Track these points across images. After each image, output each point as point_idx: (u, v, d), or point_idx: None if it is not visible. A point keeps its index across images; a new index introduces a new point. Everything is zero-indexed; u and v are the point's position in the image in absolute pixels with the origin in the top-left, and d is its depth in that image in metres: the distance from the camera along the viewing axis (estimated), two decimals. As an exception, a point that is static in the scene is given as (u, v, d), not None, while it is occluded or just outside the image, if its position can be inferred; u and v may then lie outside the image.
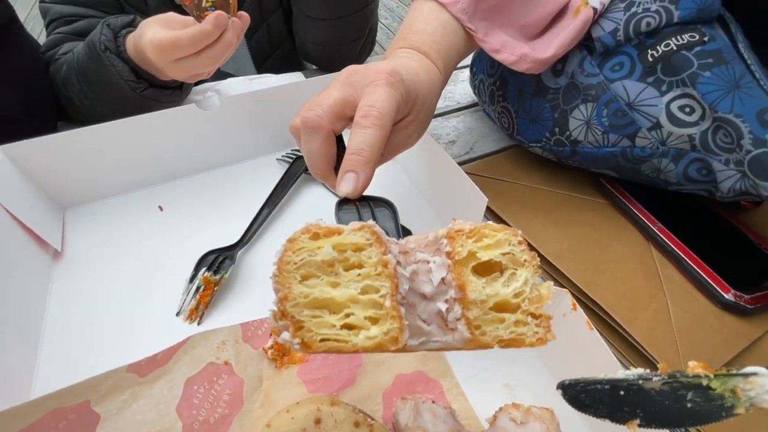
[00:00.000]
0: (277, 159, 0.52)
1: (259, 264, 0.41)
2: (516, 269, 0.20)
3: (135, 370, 0.26)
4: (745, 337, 0.33)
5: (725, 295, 0.35)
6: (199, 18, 0.40)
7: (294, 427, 0.26)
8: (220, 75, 0.67)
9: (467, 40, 0.38)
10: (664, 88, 0.35)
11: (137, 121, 0.43)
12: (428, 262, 0.19)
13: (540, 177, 0.49)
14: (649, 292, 0.36)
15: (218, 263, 0.39)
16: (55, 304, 0.38)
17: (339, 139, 0.28)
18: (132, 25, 0.47)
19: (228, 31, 0.41)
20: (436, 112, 0.61)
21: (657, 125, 0.36)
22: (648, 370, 0.17)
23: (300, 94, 0.51)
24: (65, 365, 0.34)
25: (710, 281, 0.36)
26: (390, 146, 0.29)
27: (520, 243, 0.20)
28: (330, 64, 0.66)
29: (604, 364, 0.27)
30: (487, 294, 0.19)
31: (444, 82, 0.36)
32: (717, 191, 0.37)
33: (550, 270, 0.40)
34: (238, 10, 0.43)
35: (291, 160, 0.50)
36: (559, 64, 0.41)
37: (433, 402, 0.27)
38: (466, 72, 0.67)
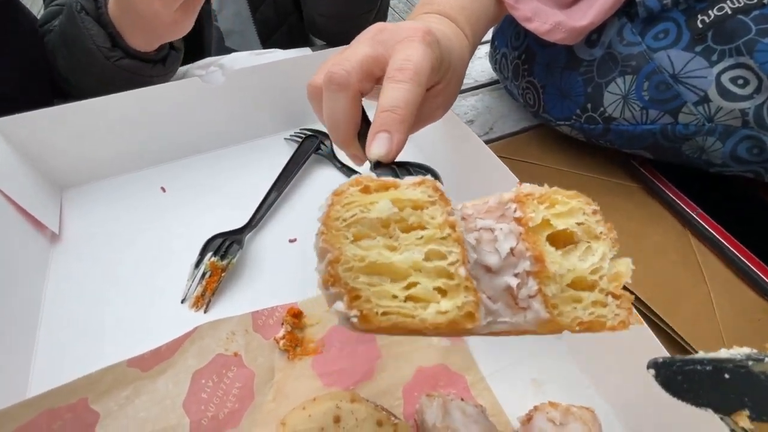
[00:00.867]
0: (285, 138, 0.49)
1: (269, 248, 0.39)
2: (590, 242, 0.17)
3: (137, 365, 0.24)
4: (794, 332, 0.31)
5: (774, 287, 0.32)
6: None
7: (311, 425, 0.24)
8: (225, 50, 0.64)
9: (496, 6, 0.35)
10: (714, 57, 0.32)
11: (137, 95, 0.41)
12: (492, 230, 0.16)
13: (566, 159, 0.46)
14: (690, 284, 0.34)
15: (225, 247, 0.36)
16: (53, 290, 0.36)
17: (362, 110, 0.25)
18: None
19: None
20: (453, 90, 0.58)
21: (705, 99, 0.33)
22: (756, 350, 0.14)
23: (310, 69, 0.48)
24: (64, 354, 0.32)
25: (757, 271, 0.33)
26: (417, 116, 0.26)
27: (594, 213, 0.18)
28: (339, 39, 0.62)
29: (643, 360, 0.25)
30: (566, 268, 0.16)
31: (472, 52, 0.33)
32: (767, 173, 0.34)
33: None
34: None
35: (300, 140, 0.47)
36: (594, 34, 0.38)
37: (462, 400, 0.25)
38: (484, 48, 0.64)
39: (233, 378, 0.28)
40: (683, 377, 0.15)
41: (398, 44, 0.24)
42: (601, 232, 0.18)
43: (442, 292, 0.15)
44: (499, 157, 0.47)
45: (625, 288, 0.18)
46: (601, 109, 0.38)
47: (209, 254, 0.36)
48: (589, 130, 0.41)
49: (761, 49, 0.30)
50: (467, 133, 0.37)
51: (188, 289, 0.35)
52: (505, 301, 0.16)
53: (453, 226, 0.15)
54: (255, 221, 0.39)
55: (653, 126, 0.36)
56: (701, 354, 0.15)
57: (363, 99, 0.25)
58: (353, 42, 0.26)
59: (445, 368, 0.31)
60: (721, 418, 0.14)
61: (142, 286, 0.36)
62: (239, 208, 0.41)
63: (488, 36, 0.54)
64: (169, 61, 0.48)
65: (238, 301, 0.35)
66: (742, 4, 0.31)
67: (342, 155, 0.47)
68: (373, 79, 0.25)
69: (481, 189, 0.39)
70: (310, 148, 0.46)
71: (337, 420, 0.24)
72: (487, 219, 0.17)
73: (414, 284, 0.14)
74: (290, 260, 0.38)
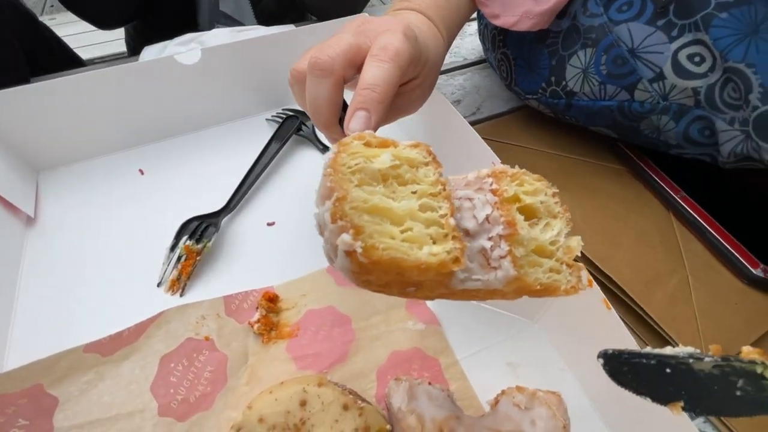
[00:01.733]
0: (266, 119, 0.48)
1: (247, 232, 0.39)
2: (549, 219, 0.20)
3: (96, 350, 0.24)
4: (770, 316, 0.31)
5: (753, 270, 0.32)
6: None
7: (277, 409, 0.24)
8: (218, 16, 0.61)
9: (469, 3, 0.36)
10: (674, 33, 0.31)
11: (113, 72, 0.39)
12: (471, 200, 0.19)
13: (552, 140, 0.45)
14: (669, 267, 0.33)
15: (201, 231, 0.36)
16: (28, 273, 0.35)
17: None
18: None
19: None
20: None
21: (660, 76, 0.32)
22: (698, 350, 0.16)
23: (291, 46, 0.46)
24: (39, 339, 0.31)
25: (737, 255, 0.33)
26: (392, 108, 0.26)
27: (554, 195, 0.21)
28: (327, 13, 0.61)
29: (620, 343, 0.25)
30: (531, 236, 0.19)
31: (446, 50, 0.34)
32: (719, 155, 0.33)
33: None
34: None
35: (281, 120, 0.46)
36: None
37: (430, 383, 0.25)
38: (475, 25, 0.61)
39: (204, 362, 0.28)
40: (629, 368, 0.16)
41: (380, 34, 0.25)
42: (558, 212, 0.21)
43: (434, 239, 0.17)
44: (486, 139, 0.46)
45: (576, 259, 0.20)
46: (564, 82, 0.37)
47: (185, 238, 0.35)
48: (553, 105, 0.40)
49: (717, 24, 0.29)
50: (450, 111, 0.36)
51: (164, 273, 0.34)
52: (480, 262, 0.18)
53: (444, 185, 0.18)
54: (233, 204, 0.39)
55: (611, 102, 0.35)
56: (648, 349, 0.16)
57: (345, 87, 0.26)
58: (337, 32, 0.27)
59: (420, 351, 0.31)
60: None
61: (118, 270, 0.36)
62: (219, 190, 0.40)
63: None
64: None
65: (215, 285, 0.35)
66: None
67: (323, 137, 0.46)
68: (356, 66, 0.25)
69: (461, 167, 0.38)
70: (291, 128, 0.45)
71: (303, 404, 0.24)
72: (466, 190, 0.19)
73: (410, 229, 0.16)
74: (268, 243, 0.38)
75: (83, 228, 0.39)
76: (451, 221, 0.17)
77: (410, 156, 0.18)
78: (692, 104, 0.32)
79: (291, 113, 0.47)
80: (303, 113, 0.47)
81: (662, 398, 0.16)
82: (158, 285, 0.34)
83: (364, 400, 0.25)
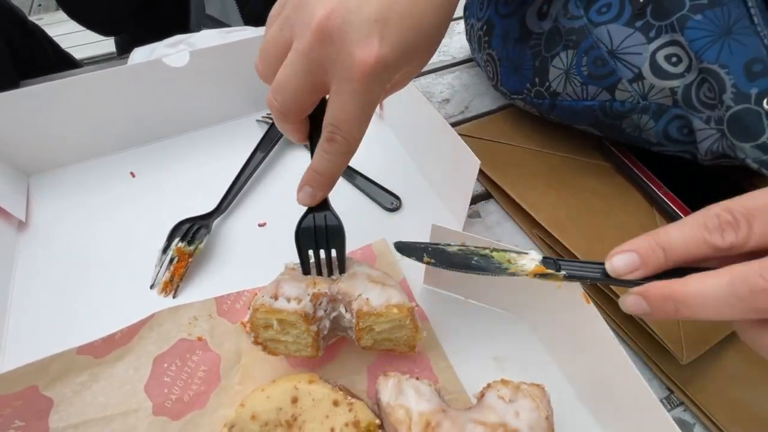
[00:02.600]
0: (257, 120, 0.48)
1: (238, 233, 0.39)
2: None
3: (88, 352, 0.25)
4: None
5: (731, 264, 0.33)
6: None
7: (269, 406, 0.24)
8: (204, 20, 0.61)
9: None
10: (652, 34, 0.31)
11: (102, 76, 0.40)
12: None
13: (539, 138, 0.46)
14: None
15: (192, 233, 0.36)
16: (21, 278, 0.36)
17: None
18: None
19: None
20: (429, 68, 0.57)
21: (639, 76, 0.33)
22: (452, 243, 0.26)
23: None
24: (34, 342, 0.32)
25: (716, 249, 0.34)
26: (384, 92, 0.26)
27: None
28: None
29: (600, 336, 0.26)
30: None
31: (449, 12, 0.26)
32: (698, 153, 0.34)
33: (547, 239, 0.37)
34: None
35: (271, 121, 0.46)
36: (545, 6, 0.37)
37: (417, 379, 0.26)
38: (463, 23, 0.62)
39: (198, 362, 0.28)
40: (405, 247, 0.26)
41: (335, 94, 0.22)
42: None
43: (303, 348, 0.28)
44: (473, 137, 0.47)
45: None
46: (547, 83, 0.38)
47: (176, 240, 0.36)
48: (538, 105, 0.41)
49: (692, 26, 0.29)
50: (433, 113, 0.36)
51: (156, 275, 0.35)
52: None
53: (308, 331, 0.26)
54: (224, 206, 0.39)
55: (593, 102, 0.36)
56: (427, 242, 0.27)
57: None
58: (290, 55, 0.22)
59: (410, 348, 0.32)
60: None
61: (111, 273, 0.36)
62: (210, 192, 0.40)
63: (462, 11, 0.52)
64: None
65: (207, 286, 0.35)
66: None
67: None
68: (315, 103, 0.24)
69: (444, 167, 0.39)
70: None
71: (294, 400, 0.24)
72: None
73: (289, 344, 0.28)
74: (259, 244, 0.38)
75: (75, 231, 0.39)
76: (309, 350, 0.27)
77: (289, 320, 0.26)
78: (670, 103, 0.33)
79: (281, 114, 0.47)
80: (293, 114, 0.47)
81: (420, 258, 0.26)
82: (151, 287, 0.35)
83: (355, 396, 0.26)
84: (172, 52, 0.52)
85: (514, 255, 0.25)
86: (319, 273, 0.29)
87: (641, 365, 0.31)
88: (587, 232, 0.36)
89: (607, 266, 0.23)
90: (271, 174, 0.44)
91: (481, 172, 0.43)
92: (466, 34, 0.52)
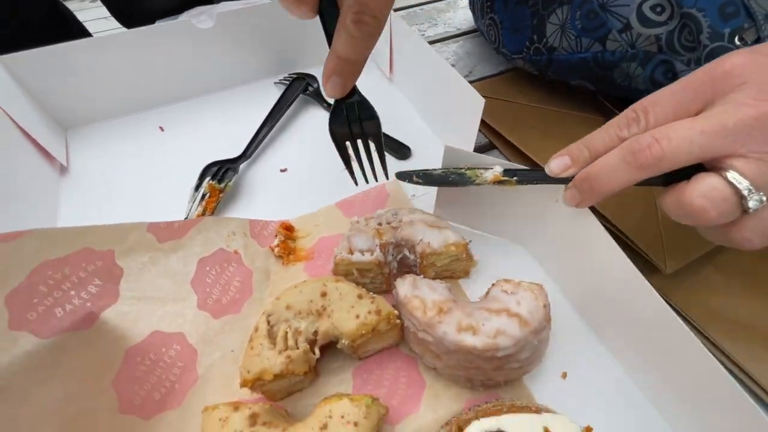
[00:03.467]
0: (274, 83, 0.52)
1: (261, 177, 0.42)
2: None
3: (154, 232, 0.28)
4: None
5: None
6: None
7: (301, 298, 0.28)
8: None
9: None
10: None
11: (133, 36, 0.43)
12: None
13: (539, 97, 0.49)
14: (638, 196, 0.38)
15: (222, 173, 0.40)
16: (65, 219, 0.39)
17: None
18: None
19: None
20: (434, 38, 0.60)
21: (627, 26, 0.36)
22: (436, 168, 0.30)
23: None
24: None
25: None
26: None
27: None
28: None
29: (597, 244, 0.29)
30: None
31: None
32: None
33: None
34: None
35: (289, 82, 0.50)
36: None
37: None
38: (466, -1, 0.66)
39: (233, 272, 0.32)
40: (402, 174, 0.30)
41: None
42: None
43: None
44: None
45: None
46: (545, 39, 0.42)
47: (207, 178, 0.39)
48: (536, 62, 0.44)
49: None
50: (435, 57, 0.40)
51: (189, 209, 0.38)
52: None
53: (384, 275, 0.32)
54: (249, 152, 0.43)
55: (586, 54, 0.40)
56: (420, 169, 0.30)
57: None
58: None
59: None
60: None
61: (147, 209, 0.40)
62: (233, 144, 0.44)
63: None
64: None
65: (236, 220, 0.39)
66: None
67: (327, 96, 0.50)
68: None
69: (449, 109, 0.42)
70: (299, 88, 0.49)
71: (323, 294, 0.28)
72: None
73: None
74: (282, 185, 0.42)
75: (112, 177, 0.42)
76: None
77: (366, 268, 0.31)
78: (656, 50, 0.36)
79: (298, 75, 0.50)
80: (310, 75, 0.51)
81: (409, 180, 0.30)
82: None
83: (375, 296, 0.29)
84: (195, 21, 0.55)
85: (482, 170, 0.29)
86: (361, 165, 0.31)
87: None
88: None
89: (546, 169, 0.27)
90: (290, 127, 0.48)
91: (485, 124, 0.46)
92: (470, 4, 0.55)
